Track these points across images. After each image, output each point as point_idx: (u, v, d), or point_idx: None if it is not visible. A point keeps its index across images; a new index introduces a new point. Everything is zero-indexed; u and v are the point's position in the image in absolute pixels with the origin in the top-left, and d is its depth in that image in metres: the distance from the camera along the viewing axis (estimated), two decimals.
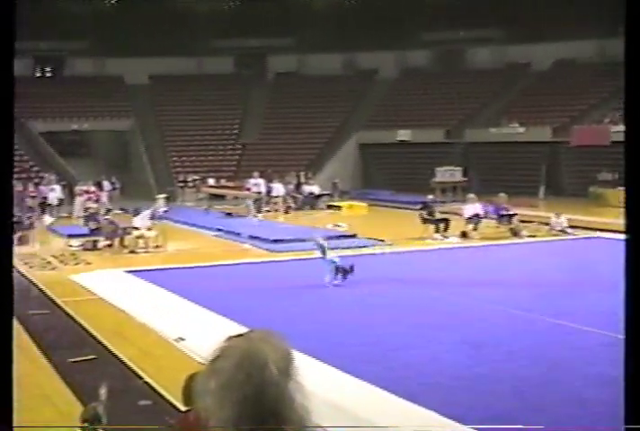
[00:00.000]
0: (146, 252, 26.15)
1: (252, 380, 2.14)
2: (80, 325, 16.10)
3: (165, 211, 30.83)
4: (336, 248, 25.55)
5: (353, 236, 28.64)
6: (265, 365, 2.16)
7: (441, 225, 28.83)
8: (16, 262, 24.25)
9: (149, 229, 26.95)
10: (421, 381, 12.03)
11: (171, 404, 10.68)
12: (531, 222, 30.53)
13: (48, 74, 57.57)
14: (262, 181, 40.40)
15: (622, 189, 22.54)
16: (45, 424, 10.31)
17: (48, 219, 33.72)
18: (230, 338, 2.26)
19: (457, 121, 51.09)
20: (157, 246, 26.58)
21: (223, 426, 2.15)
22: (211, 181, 45.93)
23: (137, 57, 54.62)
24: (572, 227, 29.10)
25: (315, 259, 20.82)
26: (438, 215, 29.48)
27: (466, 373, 12.46)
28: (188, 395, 7.11)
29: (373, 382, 11.73)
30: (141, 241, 26.62)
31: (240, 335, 2.27)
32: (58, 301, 18.45)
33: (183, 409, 7.61)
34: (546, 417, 10.37)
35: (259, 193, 39.40)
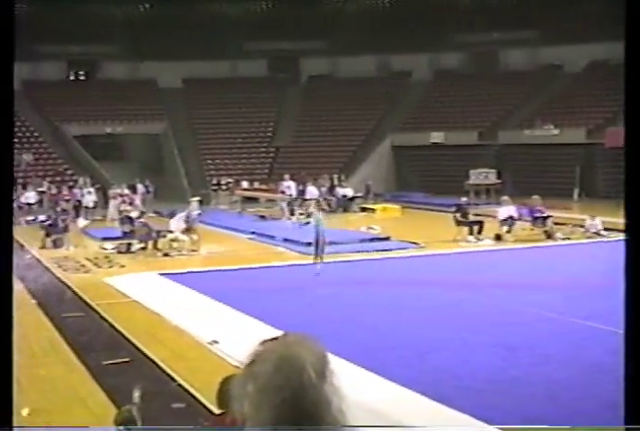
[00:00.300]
0: (180, 255, 26.21)
1: (290, 383, 2.14)
2: (114, 328, 16.14)
3: (199, 214, 30.87)
4: (370, 250, 25.69)
5: (387, 239, 28.59)
6: (303, 369, 2.15)
7: (475, 228, 28.74)
8: (50, 265, 24.44)
9: (186, 230, 26.95)
10: (455, 384, 11.96)
11: (204, 407, 10.69)
12: (566, 224, 30.32)
13: (82, 78, 57.81)
14: (292, 184, 40.47)
15: None
16: (78, 425, 10.34)
17: (82, 222, 33.90)
18: (265, 341, 2.26)
19: (491, 123, 50.93)
20: (193, 250, 26.60)
21: (260, 429, 2.15)
22: (245, 184, 45.90)
23: (171, 61, 54.79)
24: (607, 230, 28.85)
25: (352, 261, 20.77)
26: (472, 218, 29.41)
27: (500, 376, 12.40)
28: (222, 398, 7.08)
29: (407, 385, 11.70)
30: (175, 244, 26.68)
31: (275, 338, 2.27)
32: (92, 303, 18.51)
33: (217, 411, 7.60)
34: (579, 421, 10.29)
35: (291, 196, 39.43)
